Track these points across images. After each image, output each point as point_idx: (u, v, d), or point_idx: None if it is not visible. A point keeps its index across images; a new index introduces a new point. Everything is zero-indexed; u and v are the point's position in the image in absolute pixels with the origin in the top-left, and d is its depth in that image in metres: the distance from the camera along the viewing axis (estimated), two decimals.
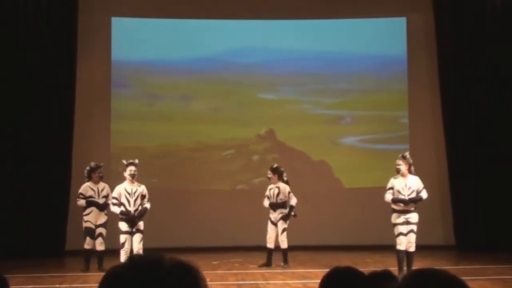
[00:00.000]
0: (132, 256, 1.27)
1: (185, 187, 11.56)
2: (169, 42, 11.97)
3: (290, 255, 9.82)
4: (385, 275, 2.25)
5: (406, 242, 8.16)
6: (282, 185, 9.37)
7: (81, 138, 11.46)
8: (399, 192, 8.15)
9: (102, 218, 9.04)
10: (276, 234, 9.33)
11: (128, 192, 8.27)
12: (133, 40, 12.01)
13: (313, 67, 11.21)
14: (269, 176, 9.45)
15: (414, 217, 8.22)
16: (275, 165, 9.58)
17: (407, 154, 8.36)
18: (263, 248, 9.49)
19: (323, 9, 12.09)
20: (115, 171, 10.47)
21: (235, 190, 11.76)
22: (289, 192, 9.33)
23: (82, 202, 8.99)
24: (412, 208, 8.22)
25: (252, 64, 10.98)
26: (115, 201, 8.35)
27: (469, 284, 1.54)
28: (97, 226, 8.98)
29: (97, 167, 9.14)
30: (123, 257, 8.12)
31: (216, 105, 11.04)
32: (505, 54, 11.23)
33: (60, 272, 8.84)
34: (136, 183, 8.43)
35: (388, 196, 8.20)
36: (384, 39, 11.99)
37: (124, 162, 8.53)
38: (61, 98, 11.15)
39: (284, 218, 9.34)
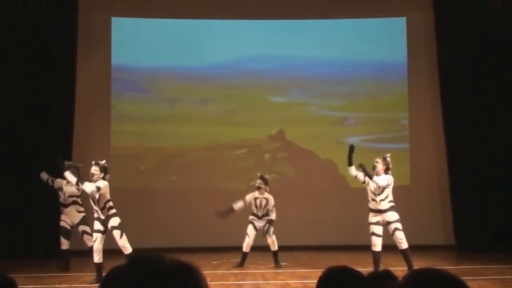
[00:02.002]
0: (132, 256, 1.27)
1: (195, 185, 11.79)
2: (173, 44, 12.14)
3: (290, 255, 9.84)
4: (385, 275, 2.25)
5: (396, 242, 8.12)
6: (270, 198, 9.29)
7: (81, 138, 11.46)
8: (371, 191, 8.16)
9: (78, 217, 9.06)
10: (253, 239, 9.27)
11: None
12: (133, 41, 12.09)
13: (319, 72, 11.92)
14: (261, 186, 9.27)
15: (391, 215, 8.16)
16: (266, 175, 9.51)
17: (388, 156, 8.33)
18: (263, 248, 9.48)
19: (324, 9, 12.12)
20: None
21: (237, 190, 11.83)
22: (273, 206, 9.27)
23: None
24: (387, 207, 8.17)
25: (263, 70, 11.76)
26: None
27: (469, 284, 1.54)
28: (75, 226, 9.05)
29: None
30: (95, 256, 7.93)
31: (230, 108, 11.80)
32: (505, 54, 11.23)
33: (60, 272, 8.83)
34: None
35: (354, 173, 8.27)
36: (384, 40, 12.18)
37: (92, 162, 8.16)
38: (61, 98, 11.15)
39: (268, 227, 9.22)
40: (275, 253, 9.32)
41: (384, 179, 8.12)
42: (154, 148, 11.90)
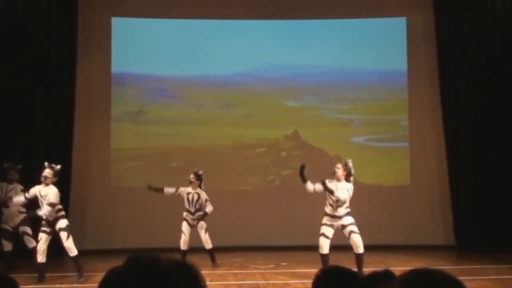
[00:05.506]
0: (131, 256, 1.26)
1: (216, 181, 11.94)
2: (174, 45, 12.53)
3: (290, 254, 9.82)
4: (385, 275, 2.25)
5: (354, 246, 7.96)
6: (202, 192, 9.44)
7: (81, 138, 11.45)
8: (331, 192, 7.97)
9: (18, 218, 9.11)
10: (190, 236, 9.34)
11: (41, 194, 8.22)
12: (133, 41, 12.23)
13: (328, 80, 13.02)
14: (192, 180, 9.45)
15: (347, 219, 8.03)
16: (200, 171, 9.60)
17: (349, 161, 8.18)
18: (263, 248, 9.50)
19: (324, 9, 12.18)
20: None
21: (236, 191, 12.09)
22: (206, 200, 9.40)
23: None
24: (343, 214, 8.03)
25: (279, 78, 12.96)
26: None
27: (469, 284, 1.54)
28: (16, 227, 9.09)
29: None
30: (38, 255, 8.06)
31: (250, 111, 12.97)
32: (505, 54, 11.22)
33: (60, 272, 8.82)
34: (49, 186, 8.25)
35: (310, 188, 8.11)
36: (384, 40, 12.49)
37: (46, 164, 8.36)
38: (61, 98, 11.14)
39: (201, 218, 9.38)
40: (210, 252, 9.39)
41: (345, 191, 7.94)
42: (182, 148, 12.61)
